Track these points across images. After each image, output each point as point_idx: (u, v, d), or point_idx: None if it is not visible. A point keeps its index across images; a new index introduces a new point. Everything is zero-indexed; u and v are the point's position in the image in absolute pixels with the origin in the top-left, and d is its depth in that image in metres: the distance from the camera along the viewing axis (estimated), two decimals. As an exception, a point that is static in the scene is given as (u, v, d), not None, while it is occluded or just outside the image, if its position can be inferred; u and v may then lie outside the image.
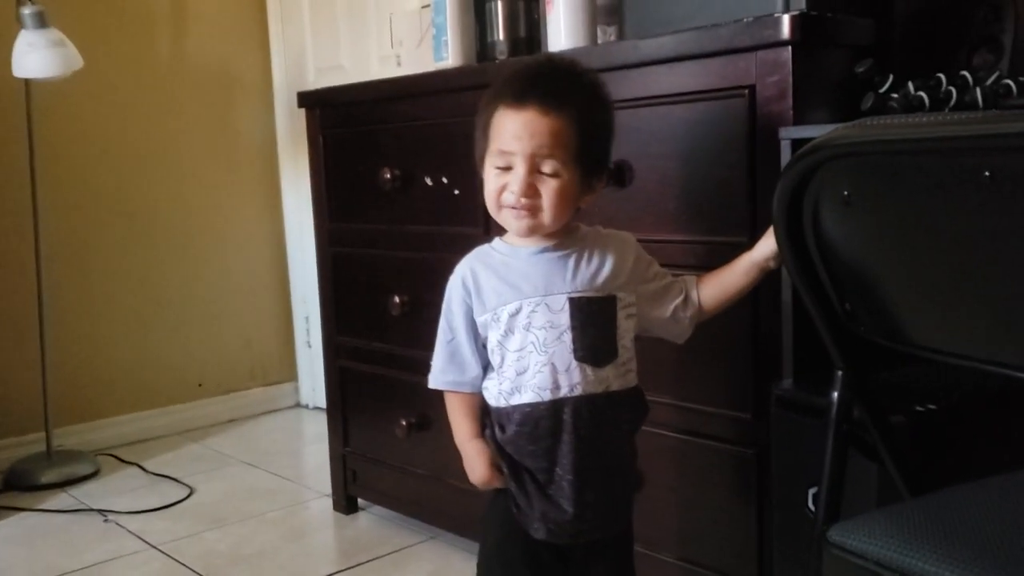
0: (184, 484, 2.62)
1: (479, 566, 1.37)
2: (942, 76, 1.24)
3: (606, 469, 1.30)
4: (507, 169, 1.22)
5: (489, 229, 1.83)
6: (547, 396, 1.24)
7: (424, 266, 2.03)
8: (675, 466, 1.56)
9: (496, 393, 1.28)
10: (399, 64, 2.35)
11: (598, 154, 1.27)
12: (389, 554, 2.10)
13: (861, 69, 1.26)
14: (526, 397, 1.25)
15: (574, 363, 1.24)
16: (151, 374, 3.13)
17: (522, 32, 1.87)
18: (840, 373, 0.99)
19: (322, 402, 3.27)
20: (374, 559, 2.08)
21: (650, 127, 1.51)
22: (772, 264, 1.28)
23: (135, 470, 2.78)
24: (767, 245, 1.28)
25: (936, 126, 0.76)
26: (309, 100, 2.26)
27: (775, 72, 1.35)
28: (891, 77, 1.25)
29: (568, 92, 1.23)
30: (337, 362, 2.32)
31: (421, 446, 2.09)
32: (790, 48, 1.33)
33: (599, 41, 1.78)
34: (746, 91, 1.38)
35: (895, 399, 1.10)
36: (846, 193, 0.84)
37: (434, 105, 1.94)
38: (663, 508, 1.59)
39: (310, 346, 3.37)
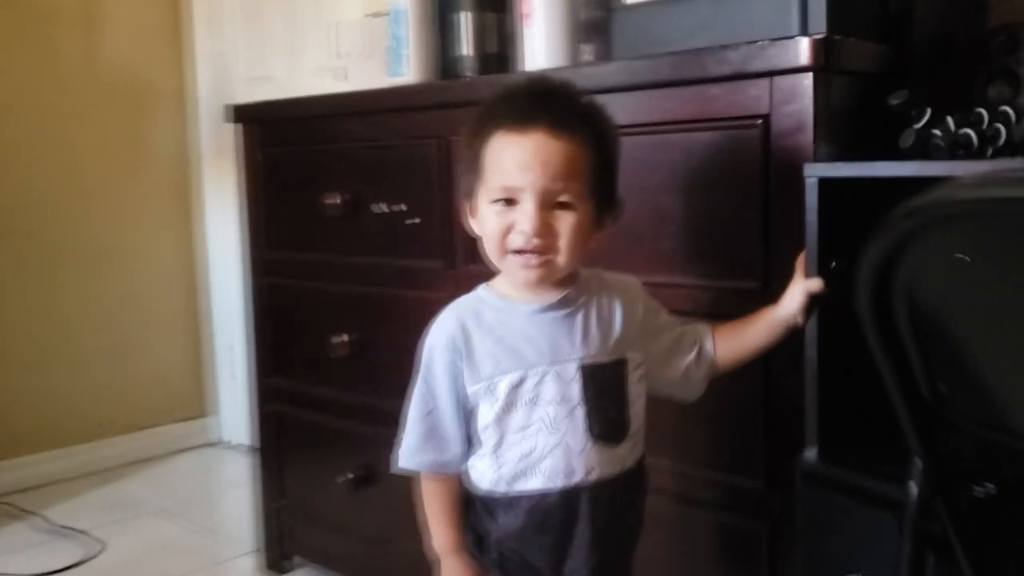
0: (94, 538, 2.34)
1: None
2: (983, 111, 1.11)
3: (620, 557, 1.14)
4: (510, 204, 1.04)
5: (453, 263, 1.65)
6: (559, 483, 1.07)
7: (373, 302, 1.83)
8: (670, 537, 1.39)
9: (493, 478, 1.09)
10: (345, 77, 2.14)
11: (611, 184, 1.10)
12: (330, 623, 1.89)
13: (896, 101, 1.12)
14: (534, 484, 1.07)
15: (590, 443, 1.07)
16: (52, 410, 2.83)
17: (493, 47, 1.70)
18: (920, 463, 0.84)
19: (246, 438, 3.03)
20: (313, 630, 1.86)
21: (644, 156, 1.35)
22: (800, 320, 1.14)
23: (37, 521, 2.49)
24: (794, 299, 1.13)
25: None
26: (245, 115, 2.04)
27: (793, 101, 1.20)
28: (929, 111, 1.12)
29: (579, 113, 1.06)
30: (269, 407, 2.09)
31: (366, 502, 1.89)
32: (811, 75, 1.19)
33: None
34: (759, 121, 1.24)
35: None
36: (963, 257, 0.69)
37: (391, 124, 1.75)
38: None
39: (235, 377, 3.11)
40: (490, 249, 1.08)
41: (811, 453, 1.16)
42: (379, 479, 1.85)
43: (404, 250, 1.75)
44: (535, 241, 1.04)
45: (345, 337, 1.86)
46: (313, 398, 1.97)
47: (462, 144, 1.14)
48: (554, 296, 1.09)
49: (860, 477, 1.08)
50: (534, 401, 1.07)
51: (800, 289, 1.13)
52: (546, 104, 1.06)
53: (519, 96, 1.08)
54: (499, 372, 1.07)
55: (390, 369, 1.77)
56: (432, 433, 1.12)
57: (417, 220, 1.72)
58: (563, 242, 1.05)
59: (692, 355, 1.17)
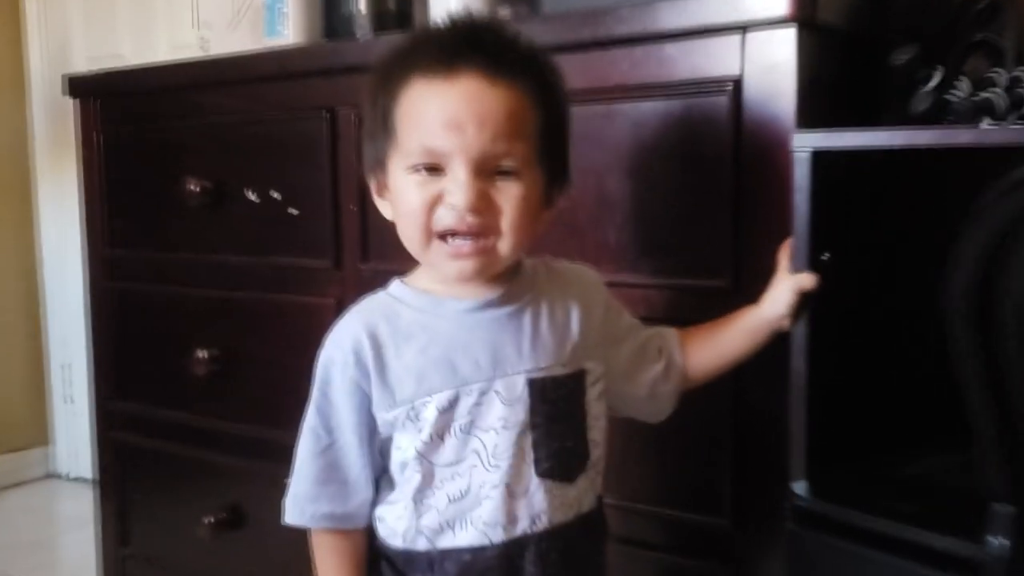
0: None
1: None
2: (1002, 73, 0.94)
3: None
4: (435, 173, 0.80)
5: (342, 261, 1.38)
6: (499, 536, 0.82)
7: (243, 309, 1.53)
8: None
9: (411, 531, 0.84)
10: (205, 50, 1.84)
11: (563, 148, 0.87)
12: None
13: (903, 59, 0.93)
14: (466, 538, 0.82)
15: (535, 481, 0.82)
16: None
17: (391, 3, 1.44)
18: (1008, 514, 0.63)
19: (85, 471, 2.65)
20: None
21: (584, 131, 1.11)
22: (786, 324, 0.93)
23: None
24: (781, 298, 0.92)
25: None
26: (83, 87, 1.70)
27: (771, 61, 1.00)
28: (940, 71, 0.93)
29: (520, 55, 0.83)
30: (112, 434, 1.75)
31: (233, 549, 1.58)
32: (793, 28, 0.98)
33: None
34: (728, 86, 1.02)
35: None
36: None
37: (267, 95, 1.46)
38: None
39: (72, 401, 2.72)
40: (409, 233, 0.83)
41: (801, 487, 0.95)
42: (248, 522, 1.56)
43: (282, 246, 1.47)
44: (470, 219, 0.79)
45: (207, 352, 1.55)
46: (167, 425, 1.65)
47: (364, 103, 0.89)
48: (494, 291, 0.85)
49: (869, 519, 0.87)
50: (469, 428, 0.82)
51: (787, 286, 0.92)
52: (478, 41, 0.82)
53: (441, 34, 0.85)
54: (423, 393, 0.82)
55: (264, 389, 1.49)
56: (330, 476, 0.86)
57: (294, 211, 1.44)
58: (506, 221, 0.81)
59: (659, 367, 0.94)
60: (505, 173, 0.81)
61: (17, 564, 2.17)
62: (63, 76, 1.75)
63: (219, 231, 1.54)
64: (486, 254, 0.81)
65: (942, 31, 1.04)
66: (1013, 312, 0.55)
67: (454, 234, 0.80)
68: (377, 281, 0.95)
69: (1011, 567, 0.64)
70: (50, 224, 2.76)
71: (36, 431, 2.80)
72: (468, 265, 0.81)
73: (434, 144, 0.79)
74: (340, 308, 0.95)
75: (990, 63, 1.19)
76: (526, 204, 0.81)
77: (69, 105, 1.78)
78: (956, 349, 0.58)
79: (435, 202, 0.80)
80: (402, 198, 0.83)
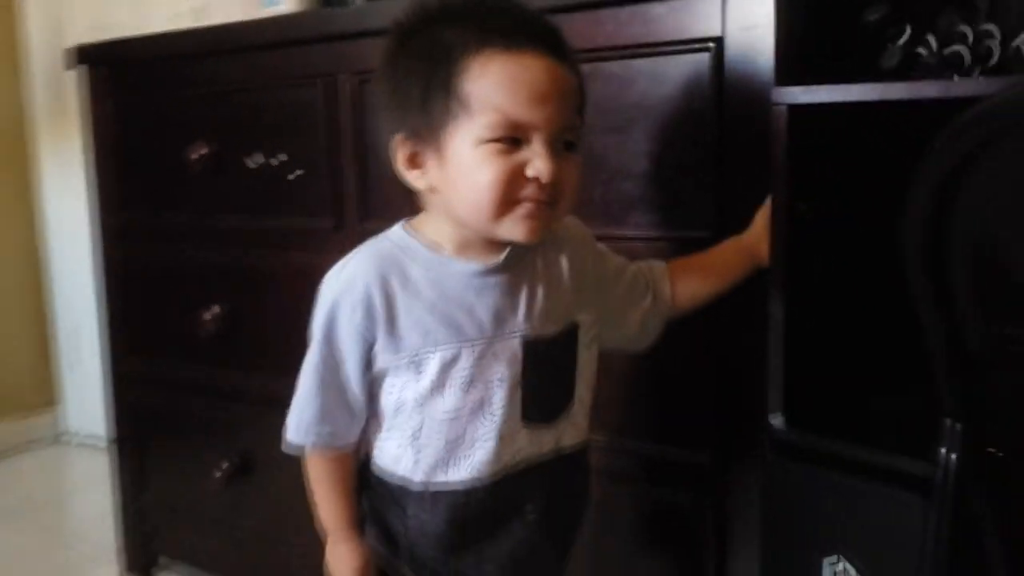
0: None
1: None
2: (968, 29, 0.99)
3: (555, 553, 0.97)
4: (513, 145, 0.82)
5: (343, 222, 1.44)
6: (487, 474, 0.89)
7: (249, 269, 1.59)
8: (601, 519, 1.23)
9: (409, 466, 0.90)
10: (201, 21, 1.88)
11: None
12: (205, 635, 1.65)
13: (874, 16, 0.99)
14: (458, 476, 0.89)
15: (521, 426, 0.90)
16: None
17: (386, -30, 1.48)
18: (958, 427, 0.70)
19: (95, 430, 2.71)
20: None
21: (573, 90, 1.17)
22: (764, 249, 1.00)
23: None
24: (758, 222, 0.99)
25: None
26: (90, 56, 1.73)
27: (750, 20, 1.05)
28: (909, 28, 0.98)
29: (560, 34, 0.87)
30: (125, 392, 1.82)
31: (242, 495, 1.66)
32: (771, -10, 1.04)
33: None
34: (711, 44, 1.08)
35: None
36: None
37: (267, 63, 1.51)
38: (588, 571, 1.26)
39: (80, 363, 2.78)
40: (477, 201, 0.84)
41: (779, 419, 1.01)
42: (256, 469, 1.63)
43: (285, 208, 1.53)
44: (549, 189, 0.84)
45: (216, 310, 1.62)
46: (178, 381, 1.72)
47: (386, 75, 0.90)
48: (498, 255, 0.90)
49: (839, 445, 0.94)
50: (469, 382, 0.88)
51: (763, 212, 0.99)
52: (532, 20, 0.86)
53: (484, 9, 0.86)
54: (429, 345, 0.88)
55: (268, 344, 1.56)
56: (334, 403, 0.92)
57: (300, 172, 1.50)
58: (568, 189, 0.86)
59: (647, 301, 1.01)
60: (569, 144, 0.86)
61: (40, 519, 2.22)
62: (66, 49, 1.78)
63: (223, 195, 1.60)
64: (552, 219, 0.87)
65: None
66: (960, 241, 0.61)
67: (534, 201, 0.84)
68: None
69: (959, 479, 0.71)
70: (53, 193, 2.77)
71: (44, 395, 2.83)
72: (537, 230, 0.85)
73: (520, 116, 0.81)
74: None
75: (963, 19, 1.25)
76: (580, 173, 0.87)
77: (68, 75, 1.81)
78: (911, 276, 0.64)
79: (517, 173, 0.82)
80: (474, 171, 0.83)
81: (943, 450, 0.71)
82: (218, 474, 1.64)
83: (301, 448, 0.95)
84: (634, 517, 1.23)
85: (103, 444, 2.57)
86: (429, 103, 0.84)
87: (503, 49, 0.81)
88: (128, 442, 1.83)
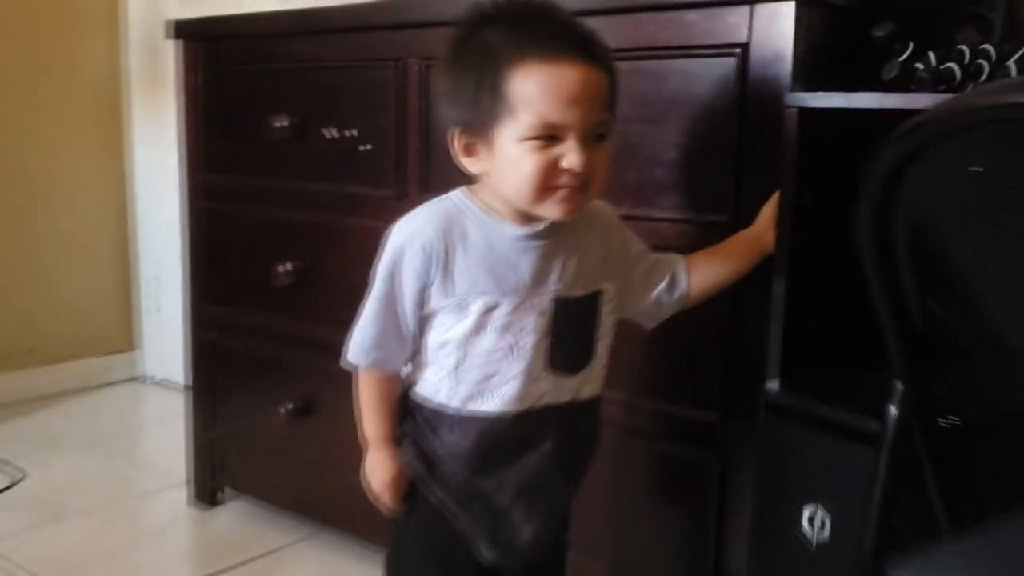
0: (14, 467, 2.24)
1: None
2: (966, 48, 1.11)
3: (564, 485, 1.12)
4: (550, 141, 0.97)
5: (406, 191, 1.60)
6: (514, 408, 1.04)
7: (319, 230, 1.77)
8: (618, 468, 1.38)
9: (448, 394, 1.06)
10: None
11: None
12: (262, 556, 1.84)
13: (881, 33, 1.11)
14: (490, 405, 1.04)
15: (545, 372, 1.05)
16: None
17: (456, -34, 1.63)
18: (901, 388, 0.84)
19: (170, 374, 2.94)
20: (246, 561, 1.81)
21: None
22: (769, 239, 1.14)
23: (-50, 449, 2.37)
24: (764, 212, 1.13)
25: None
26: (187, 31, 1.93)
27: (773, 30, 1.18)
28: (911, 45, 1.11)
29: (592, 37, 1.01)
30: (203, 335, 2.02)
31: (303, 433, 1.84)
32: (792, 3, 1.16)
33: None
34: (737, 50, 1.21)
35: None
36: (977, 169, 0.67)
37: (342, 46, 1.67)
38: (599, 513, 1.41)
39: (159, 310, 3.00)
40: (521, 188, 0.99)
41: (773, 384, 1.16)
42: (318, 410, 1.81)
43: (354, 177, 1.69)
44: (581, 176, 0.98)
45: (288, 265, 1.80)
46: (251, 327, 1.91)
47: (453, 75, 1.03)
48: (540, 224, 1.04)
49: (823, 408, 1.08)
50: (505, 328, 1.03)
51: (770, 202, 1.13)
52: (573, 29, 0.99)
53: (536, 22, 0.99)
54: (475, 292, 1.03)
55: (335, 299, 1.72)
56: (390, 333, 1.08)
57: (369, 146, 1.66)
58: (598, 175, 1.01)
59: (663, 285, 1.15)
60: (600, 136, 1.00)
61: (115, 448, 2.44)
62: (167, 21, 1.97)
63: (300, 162, 1.77)
64: (584, 200, 1.02)
65: (921, 9, 1.21)
66: (903, 227, 0.74)
67: (568, 187, 0.98)
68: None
69: (898, 429, 0.84)
70: (143, 153, 2.98)
71: (124, 338, 3.07)
72: (572, 210, 1.00)
73: (555, 119, 0.96)
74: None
75: (982, 36, 1.36)
76: (608, 160, 1.02)
77: (163, 45, 1.99)
78: (864, 258, 0.77)
79: (553, 165, 0.97)
80: (518, 162, 0.97)
81: (890, 406, 0.85)
82: (282, 413, 1.82)
83: (355, 367, 1.12)
84: (647, 468, 1.38)
85: (176, 386, 2.79)
86: (479, 104, 0.98)
87: (542, 59, 0.95)
88: (201, 380, 2.03)
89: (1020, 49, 1.10)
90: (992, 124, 0.65)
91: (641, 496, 1.39)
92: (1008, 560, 0.77)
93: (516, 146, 0.97)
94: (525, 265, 1.04)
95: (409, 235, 1.05)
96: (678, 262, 1.16)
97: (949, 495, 0.90)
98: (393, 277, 1.06)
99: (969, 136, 0.67)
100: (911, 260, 0.76)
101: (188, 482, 2.08)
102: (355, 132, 1.67)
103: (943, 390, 1.02)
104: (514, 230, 1.04)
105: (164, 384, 2.99)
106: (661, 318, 1.18)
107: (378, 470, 1.12)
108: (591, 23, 1.24)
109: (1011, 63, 1.07)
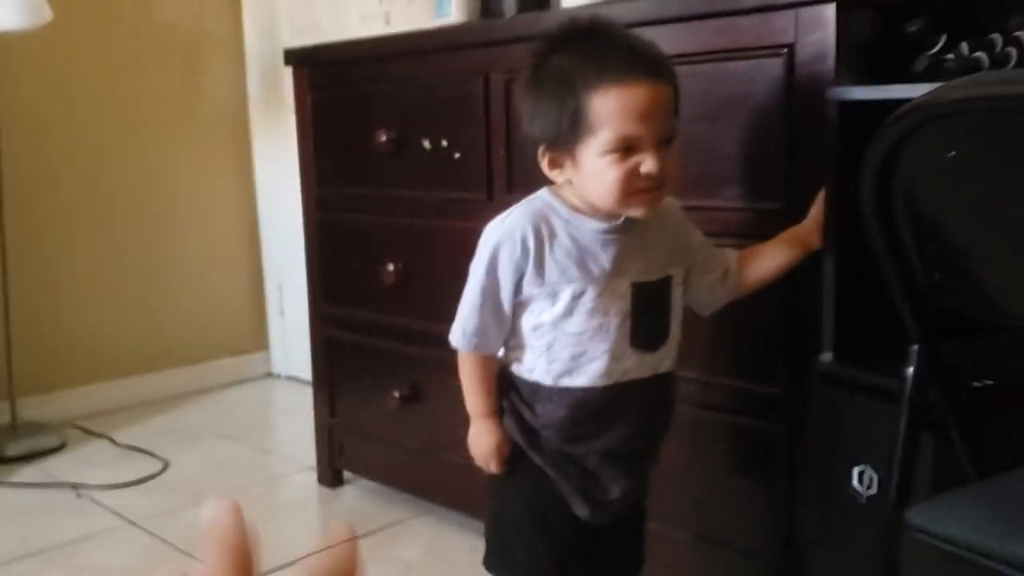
0: (157, 457, 2.51)
1: (495, 535, 1.32)
2: (997, 36, 1.19)
3: (646, 450, 1.26)
4: (627, 152, 1.10)
5: (492, 194, 1.75)
6: (601, 382, 1.18)
7: (418, 233, 1.94)
8: (694, 441, 1.51)
9: (543, 371, 1.20)
10: (387, 22, 2.23)
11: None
12: (382, 529, 2.03)
13: (913, 28, 1.20)
14: (580, 380, 1.19)
15: (629, 350, 1.18)
16: (114, 343, 2.99)
17: (533, -12, 1.78)
18: (916, 348, 0.94)
19: (296, 372, 3.19)
20: (367, 534, 2.00)
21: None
22: (816, 238, 1.24)
23: (104, 442, 2.66)
24: (811, 212, 1.23)
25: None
26: (297, 58, 2.14)
27: (816, 31, 1.28)
28: (943, 37, 1.19)
29: (655, 54, 1.14)
30: (323, 332, 2.22)
31: (413, 418, 2.02)
32: (834, 5, 1.26)
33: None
34: (784, 50, 1.32)
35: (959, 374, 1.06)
36: (952, 155, 0.78)
37: (434, 64, 1.85)
38: (679, 484, 1.53)
39: (283, 314, 3.26)
40: (605, 195, 1.12)
41: (826, 356, 1.26)
42: (425, 397, 1.98)
43: (447, 184, 1.86)
44: (656, 179, 1.11)
45: (393, 266, 1.98)
46: (363, 324, 2.10)
47: (528, 96, 1.16)
48: (618, 219, 1.18)
49: (869, 375, 1.18)
50: (592, 311, 1.17)
51: (818, 200, 1.23)
52: (640, 50, 1.12)
53: (608, 47, 1.12)
54: (565, 281, 1.17)
55: (435, 295, 1.89)
56: (490, 320, 1.22)
57: (458, 155, 1.82)
58: (670, 174, 1.14)
59: (719, 273, 1.27)
60: (668, 141, 1.13)
61: (249, 437, 2.70)
62: (285, 50, 2.19)
63: (400, 172, 1.95)
64: (661, 198, 1.16)
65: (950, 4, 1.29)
66: (901, 200, 0.84)
67: (648, 190, 1.12)
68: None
69: (915, 382, 0.94)
70: (264, 170, 3.24)
71: (256, 339, 3.35)
72: (652, 209, 1.15)
73: (630, 133, 1.09)
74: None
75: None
76: (677, 159, 1.15)
77: (281, 72, 2.20)
78: (868, 230, 0.87)
79: (633, 172, 1.10)
80: (602, 174, 1.10)
81: (909, 368, 0.95)
82: (393, 400, 2.01)
83: (457, 348, 1.27)
84: (721, 441, 1.49)
85: (302, 382, 3.04)
86: (562, 125, 1.11)
87: (616, 83, 1.08)
88: (323, 372, 2.24)
89: (1050, 35, 1.18)
90: (958, 115, 0.75)
91: (718, 467, 1.50)
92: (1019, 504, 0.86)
93: (598, 160, 1.11)
94: (606, 255, 1.17)
95: (506, 231, 1.19)
96: (732, 256, 1.28)
97: (975, 451, 1.00)
98: (491, 271, 1.20)
99: (946, 124, 0.78)
100: (913, 234, 0.86)
101: (313, 467, 2.30)
102: (447, 142, 1.84)
103: (976, 352, 1.11)
104: (595, 225, 1.18)
105: (292, 380, 3.24)
106: (715, 306, 1.30)
107: (482, 439, 1.27)
108: (654, 32, 1.40)
109: (1039, 49, 1.15)
